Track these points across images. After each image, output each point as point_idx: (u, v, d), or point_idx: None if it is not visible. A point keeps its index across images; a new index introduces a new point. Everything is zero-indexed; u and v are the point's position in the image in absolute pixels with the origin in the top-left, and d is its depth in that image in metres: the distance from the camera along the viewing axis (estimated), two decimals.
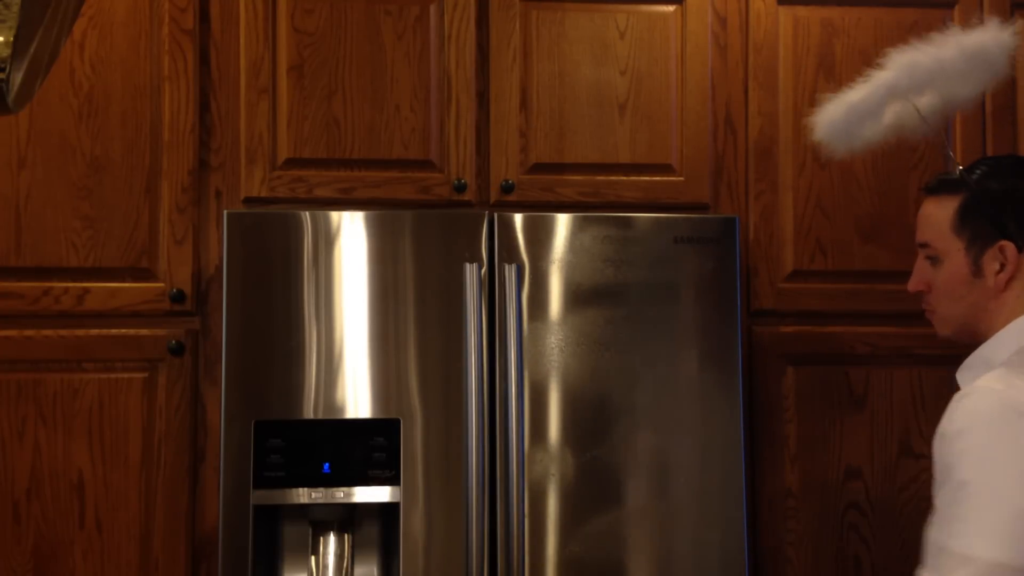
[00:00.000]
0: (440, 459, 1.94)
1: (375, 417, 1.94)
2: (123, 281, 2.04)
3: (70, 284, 2.02)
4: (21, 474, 1.98)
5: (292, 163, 2.09)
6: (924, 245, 1.51)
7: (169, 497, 2.00)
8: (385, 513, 1.99)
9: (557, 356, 1.98)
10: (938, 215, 1.48)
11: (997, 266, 1.42)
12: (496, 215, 2.00)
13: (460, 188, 2.10)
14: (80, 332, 2.01)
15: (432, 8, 2.14)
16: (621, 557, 1.97)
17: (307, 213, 1.98)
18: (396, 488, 1.92)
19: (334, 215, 1.97)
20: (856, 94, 1.60)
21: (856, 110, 1.60)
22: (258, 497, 1.89)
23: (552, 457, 1.97)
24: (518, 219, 2.00)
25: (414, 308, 1.96)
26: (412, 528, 1.92)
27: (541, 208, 2.11)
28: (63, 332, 2.01)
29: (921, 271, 1.52)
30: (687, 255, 2.03)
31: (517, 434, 1.93)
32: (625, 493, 1.97)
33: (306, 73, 2.10)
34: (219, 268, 2.02)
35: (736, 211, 2.18)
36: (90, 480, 1.99)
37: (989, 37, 1.54)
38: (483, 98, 2.15)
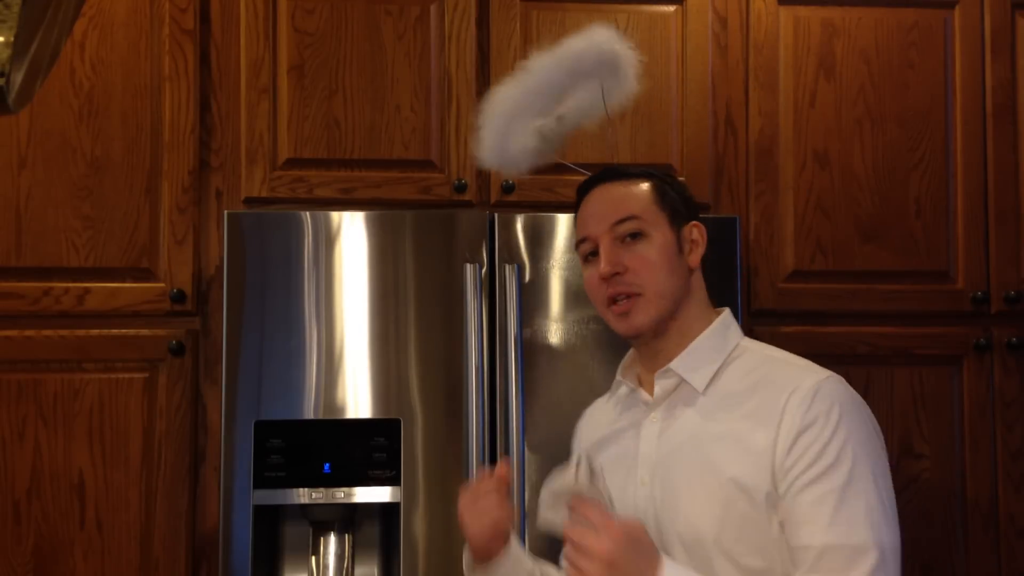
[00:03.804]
0: (440, 459, 1.94)
1: (375, 417, 1.94)
2: (123, 281, 2.04)
3: (70, 284, 2.02)
4: (21, 474, 1.98)
5: (292, 163, 2.09)
6: (628, 219, 1.41)
7: (169, 497, 2.00)
8: (385, 513, 2.00)
9: (557, 356, 1.98)
10: (637, 191, 1.44)
11: (689, 246, 1.43)
12: (496, 215, 2.00)
13: (460, 188, 2.10)
14: (80, 332, 2.01)
15: (432, 8, 2.14)
16: None
17: (307, 213, 1.98)
18: (396, 488, 1.92)
19: (334, 215, 1.97)
20: (507, 92, 1.56)
21: (508, 112, 1.56)
22: (258, 497, 1.89)
23: (552, 457, 1.97)
24: (518, 219, 2.00)
25: (414, 308, 1.96)
26: (412, 528, 1.92)
27: (541, 208, 2.11)
28: (63, 332, 2.01)
29: (615, 253, 1.40)
30: None
31: (517, 434, 1.93)
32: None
33: (306, 73, 2.10)
34: (219, 268, 2.02)
35: (736, 211, 2.18)
36: (90, 480, 1.99)
37: (622, 50, 1.56)
38: (483, 98, 2.15)
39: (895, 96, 2.24)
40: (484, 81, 2.15)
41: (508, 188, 2.12)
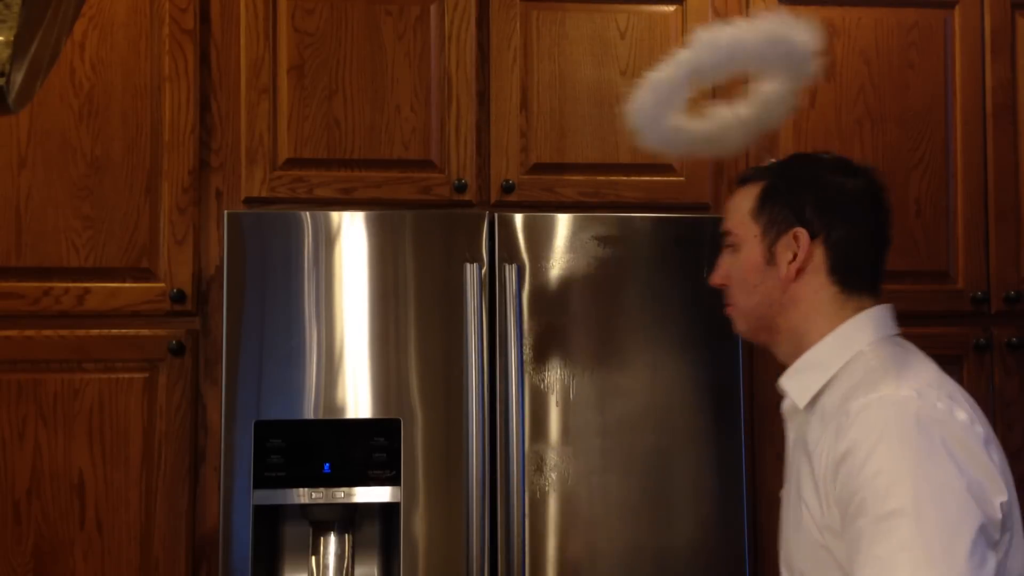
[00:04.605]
0: (440, 459, 1.94)
1: (375, 417, 1.94)
2: (123, 281, 2.04)
3: (70, 284, 2.02)
4: (21, 474, 1.98)
5: (292, 163, 2.09)
6: (727, 232, 1.43)
7: (169, 497, 2.00)
8: (385, 513, 2.00)
9: (557, 356, 1.98)
10: (740, 202, 1.41)
11: (790, 255, 1.35)
12: (496, 215, 2.00)
13: (460, 188, 2.10)
14: (80, 332, 2.01)
15: (432, 8, 2.14)
16: (621, 557, 1.97)
17: (307, 213, 1.98)
18: (396, 488, 1.92)
19: (334, 215, 1.97)
20: (658, 73, 1.54)
21: (659, 90, 1.54)
22: (258, 497, 1.89)
23: (552, 457, 1.97)
24: (518, 219, 2.00)
25: (414, 308, 1.96)
26: (412, 528, 1.92)
27: (541, 208, 2.11)
28: (63, 332, 2.01)
29: (722, 264, 1.44)
30: (687, 255, 2.03)
31: (517, 434, 1.93)
32: (625, 493, 1.97)
33: (306, 73, 2.10)
34: (219, 268, 2.02)
35: None
36: (90, 480, 1.99)
37: (794, 32, 1.49)
38: (483, 98, 2.15)
39: (895, 96, 2.24)
40: (484, 81, 2.15)
41: (508, 188, 2.12)
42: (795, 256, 1.35)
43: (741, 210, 1.40)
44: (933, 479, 1.12)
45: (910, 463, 1.13)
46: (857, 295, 1.36)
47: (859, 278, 1.36)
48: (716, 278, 1.45)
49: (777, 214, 1.37)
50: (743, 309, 1.41)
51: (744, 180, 1.44)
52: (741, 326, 1.44)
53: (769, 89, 1.53)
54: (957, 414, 1.19)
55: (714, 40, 1.49)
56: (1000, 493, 1.14)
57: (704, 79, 1.54)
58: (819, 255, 1.35)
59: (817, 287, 1.35)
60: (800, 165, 1.41)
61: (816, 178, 1.38)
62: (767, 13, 1.52)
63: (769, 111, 1.54)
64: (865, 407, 1.20)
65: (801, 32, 1.48)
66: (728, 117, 1.56)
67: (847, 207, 1.36)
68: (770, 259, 1.37)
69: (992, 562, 1.10)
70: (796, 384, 1.35)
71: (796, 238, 1.35)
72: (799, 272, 1.35)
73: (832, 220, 1.35)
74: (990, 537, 1.11)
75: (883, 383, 1.23)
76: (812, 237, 1.35)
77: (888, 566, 1.08)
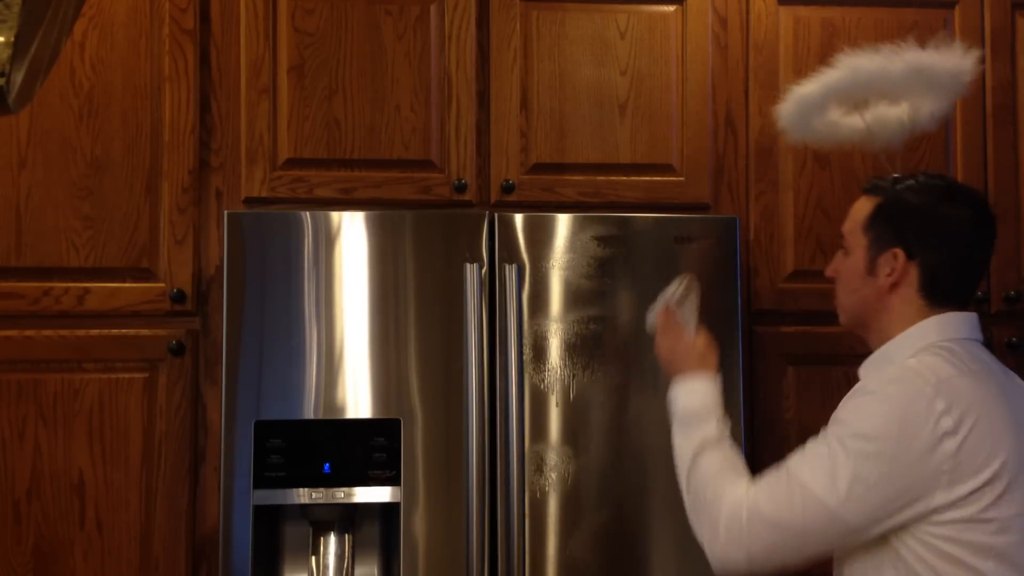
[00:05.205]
0: (440, 459, 1.94)
1: (375, 417, 1.94)
2: (123, 281, 2.04)
3: (70, 284, 2.02)
4: (21, 474, 1.98)
5: (292, 163, 2.09)
6: (842, 235, 1.62)
7: (169, 497, 2.00)
8: (385, 513, 2.00)
9: (557, 356, 1.98)
10: (858, 212, 1.60)
11: (888, 269, 1.53)
12: (496, 215, 2.00)
13: (460, 188, 2.10)
14: (80, 332, 2.01)
15: (432, 8, 2.14)
16: (621, 557, 1.97)
17: (307, 213, 1.98)
18: (396, 488, 1.92)
19: (334, 215, 1.98)
20: (803, 88, 1.74)
21: (803, 103, 1.74)
22: (258, 497, 1.89)
23: (552, 457, 1.97)
24: (518, 219, 2.00)
25: (414, 308, 1.97)
26: (412, 528, 1.92)
27: (541, 208, 2.11)
28: (63, 332, 2.01)
29: (836, 259, 1.64)
30: (687, 255, 2.03)
31: (517, 434, 1.93)
32: (625, 493, 1.97)
33: (306, 73, 2.10)
34: (219, 268, 2.02)
35: (736, 211, 2.18)
36: (90, 480, 1.99)
37: (942, 60, 1.65)
38: (483, 98, 2.15)
39: None
40: (484, 81, 2.15)
41: (508, 188, 2.12)
42: (892, 271, 1.53)
43: (856, 219, 1.59)
44: (868, 436, 1.39)
45: (863, 416, 1.42)
46: (940, 307, 1.53)
47: (947, 294, 1.54)
48: (829, 271, 1.65)
49: (883, 232, 1.54)
50: (844, 305, 1.62)
51: (867, 190, 1.61)
52: (842, 319, 1.63)
53: (921, 102, 1.70)
54: (936, 403, 1.39)
55: (858, 66, 1.67)
56: (930, 473, 1.37)
57: (842, 99, 1.72)
58: (913, 273, 1.53)
59: (908, 299, 1.54)
60: (912, 190, 1.56)
61: (924, 205, 1.54)
62: (913, 46, 1.65)
63: (917, 118, 1.71)
64: (862, 381, 1.51)
65: (950, 60, 1.65)
66: (886, 116, 1.72)
67: (946, 235, 1.54)
68: (871, 269, 1.55)
69: (876, 507, 1.38)
70: (866, 373, 1.56)
71: (895, 256, 1.53)
72: (894, 286, 1.53)
73: (930, 245, 1.52)
74: (900, 492, 1.37)
75: (896, 371, 1.48)
76: (910, 258, 1.52)
77: (801, 457, 1.46)
